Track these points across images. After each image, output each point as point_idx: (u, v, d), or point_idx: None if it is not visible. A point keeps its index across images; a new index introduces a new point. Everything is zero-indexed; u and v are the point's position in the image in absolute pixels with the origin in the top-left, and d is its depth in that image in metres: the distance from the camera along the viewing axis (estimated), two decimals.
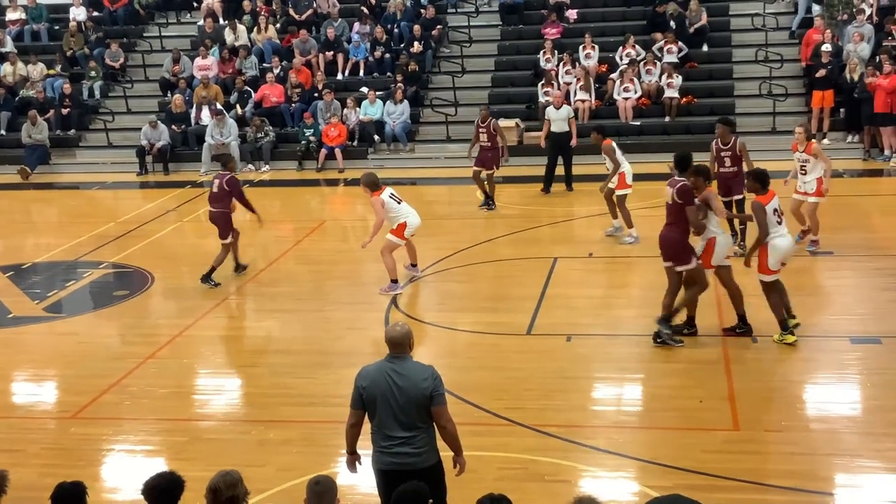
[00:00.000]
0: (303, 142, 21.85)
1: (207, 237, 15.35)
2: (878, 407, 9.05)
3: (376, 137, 21.89)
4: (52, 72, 24.79)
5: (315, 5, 25.45)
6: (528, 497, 7.39)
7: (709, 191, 10.32)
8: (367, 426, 6.38)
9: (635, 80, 21.60)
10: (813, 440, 8.50)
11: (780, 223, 10.23)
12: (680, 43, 22.44)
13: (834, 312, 11.75)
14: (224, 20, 25.75)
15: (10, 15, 26.99)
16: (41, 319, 12.83)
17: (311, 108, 22.41)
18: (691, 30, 22.96)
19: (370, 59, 23.88)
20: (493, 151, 17.15)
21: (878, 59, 19.80)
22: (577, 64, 22.24)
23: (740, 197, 13.08)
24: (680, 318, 10.64)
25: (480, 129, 17.19)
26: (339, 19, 24.82)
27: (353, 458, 6.57)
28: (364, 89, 22.93)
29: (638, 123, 21.29)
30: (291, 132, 22.55)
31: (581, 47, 22.63)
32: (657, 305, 10.63)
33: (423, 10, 24.61)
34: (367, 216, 16.63)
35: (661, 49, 22.38)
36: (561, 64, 22.25)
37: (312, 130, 21.93)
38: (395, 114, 21.92)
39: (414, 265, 13.38)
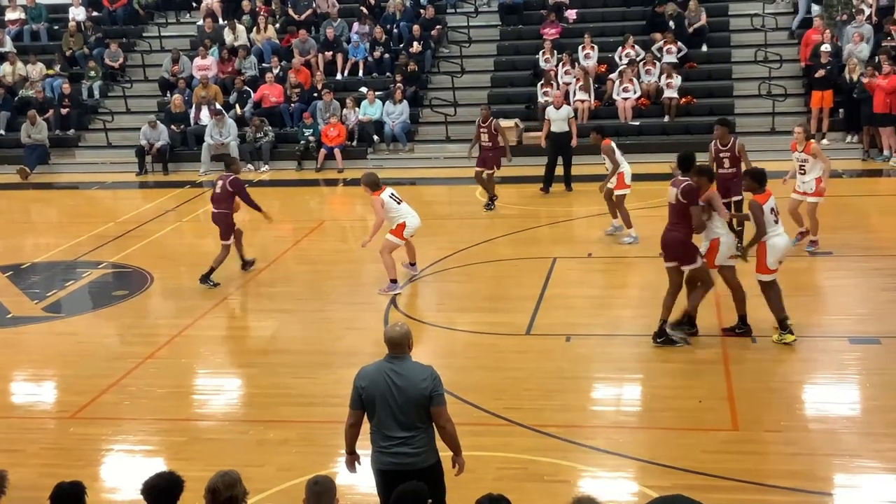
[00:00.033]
0: (302, 141, 21.85)
1: (206, 237, 15.37)
2: (878, 407, 9.05)
3: (375, 137, 21.89)
4: (51, 72, 24.79)
5: (314, 5, 25.45)
6: (528, 497, 7.39)
7: (712, 191, 10.32)
8: (366, 426, 6.38)
9: (634, 80, 21.60)
10: (812, 440, 8.50)
11: (776, 222, 10.28)
12: (679, 43, 22.44)
13: (833, 313, 11.76)
14: (223, 20, 25.74)
15: (10, 15, 26.97)
16: (40, 319, 12.83)
17: (310, 108, 22.41)
18: (690, 30, 22.96)
19: (369, 59, 23.89)
20: (493, 151, 17.15)
21: (877, 60, 19.81)
22: (576, 64, 22.25)
23: (739, 198, 13.07)
24: (674, 316, 10.62)
25: (482, 129, 17.18)
26: (339, 19, 24.82)
27: (352, 459, 6.57)
28: (363, 89, 22.92)
29: (637, 123, 21.29)
30: (291, 132, 22.55)
31: (580, 47, 22.63)
32: (656, 305, 10.63)
33: (422, 11, 24.61)
34: (366, 216, 16.65)
35: (660, 49, 22.39)
36: (560, 64, 22.25)
37: (312, 130, 21.93)
38: (395, 114, 21.92)
39: (413, 264, 13.39)
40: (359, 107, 22.29)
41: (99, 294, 13.90)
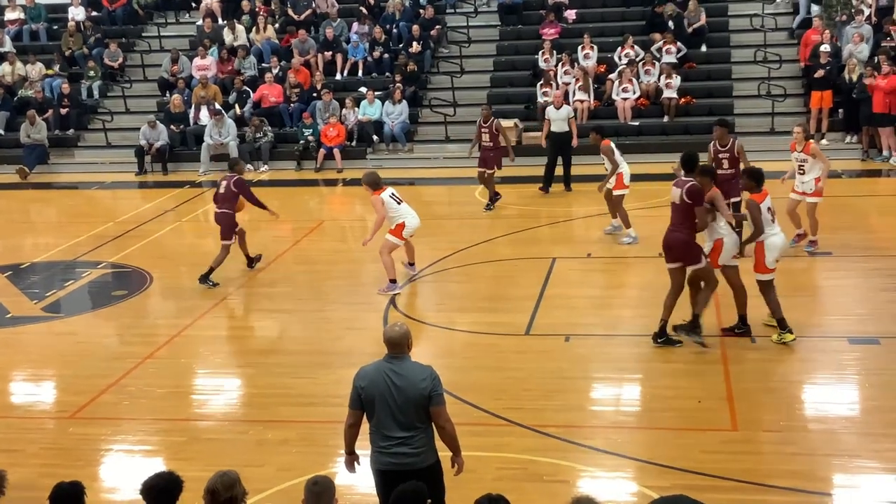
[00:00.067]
0: (301, 142, 21.85)
1: (206, 237, 15.39)
2: (877, 407, 9.05)
3: (375, 137, 21.89)
4: (50, 72, 24.78)
5: (314, 5, 25.44)
6: (527, 497, 7.39)
7: (715, 191, 10.30)
8: (365, 426, 6.38)
9: (634, 80, 21.60)
10: (811, 440, 8.51)
11: (773, 221, 10.33)
12: (679, 43, 22.44)
13: (832, 313, 11.76)
14: (223, 20, 25.74)
15: (9, 14, 26.97)
16: (40, 319, 12.82)
17: (309, 109, 22.40)
18: (690, 30, 22.96)
19: (369, 59, 23.89)
20: (495, 151, 17.15)
21: (876, 60, 19.81)
22: (575, 64, 22.25)
23: (737, 199, 13.06)
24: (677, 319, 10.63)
25: (483, 130, 17.18)
26: (338, 19, 24.82)
27: (351, 459, 6.57)
28: (363, 89, 22.92)
29: (636, 124, 21.29)
30: (290, 132, 22.54)
31: (580, 47, 22.63)
32: (655, 305, 10.63)
33: (421, 11, 24.61)
34: (365, 216, 16.67)
35: (659, 49, 22.39)
36: (560, 64, 22.25)
37: (311, 130, 21.93)
38: (394, 114, 21.91)
39: (411, 264, 13.39)
40: (358, 107, 22.28)
41: (98, 294, 13.90)
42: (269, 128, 22.33)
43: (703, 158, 13.19)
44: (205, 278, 13.34)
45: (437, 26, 24.32)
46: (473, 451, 7.33)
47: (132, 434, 9.26)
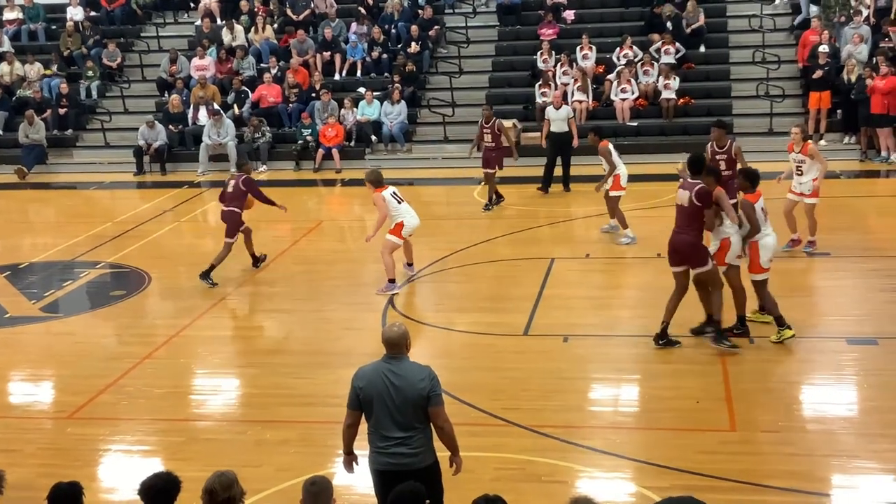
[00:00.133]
0: (300, 142, 21.84)
1: (205, 237, 15.39)
2: (875, 408, 9.06)
3: (374, 138, 21.88)
4: (49, 71, 24.77)
5: (312, 6, 25.44)
6: (525, 498, 7.39)
7: (719, 190, 10.29)
8: (364, 427, 6.38)
9: (632, 80, 21.61)
10: (810, 441, 8.51)
11: (765, 221, 10.36)
12: (677, 44, 22.44)
13: (831, 313, 11.76)
14: (221, 20, 25.72)
15: (7, 14, 26.94)
16: (38, 319, 12.82)
17: (308, 109, 22.40)
18: (688, 31, 22.96)
19: (367, 59, 23.88)
20: (496, 151, 17.15)
21: (874, 61, 19.83)
22: (574, 65, 22.25)
23: (734, 201, 13.03)
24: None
25: (485, 130, 17.18)
26: (337, 20, 24.80)
27: (349, 459, 6.57)
28: (361, 90, 22.91)
29: (635, 124, 21.30)
30: (289, 132, 22.54)
31: (578, 48, 22.64)
32: (654, 306, 10.64)
33: (420, 11, 24.61)
34: (364, 216, 16.68)
35: (658, 50, 22.39)
36: (558, 65, 22.26)
37: (310, 131, 21.92)
38: (393, 114, 21.91)
39: (410, 264, 13.39)
40: (357, 107, 22.28)
41: (97, 294, 13.89)
42: (268, 128, 22.32)
43: None
44: (206, 275, 13.33)
45: (436, 27, 24.31)
46: (472, 451, 7.33)
47: (130, 434, 9.25)
